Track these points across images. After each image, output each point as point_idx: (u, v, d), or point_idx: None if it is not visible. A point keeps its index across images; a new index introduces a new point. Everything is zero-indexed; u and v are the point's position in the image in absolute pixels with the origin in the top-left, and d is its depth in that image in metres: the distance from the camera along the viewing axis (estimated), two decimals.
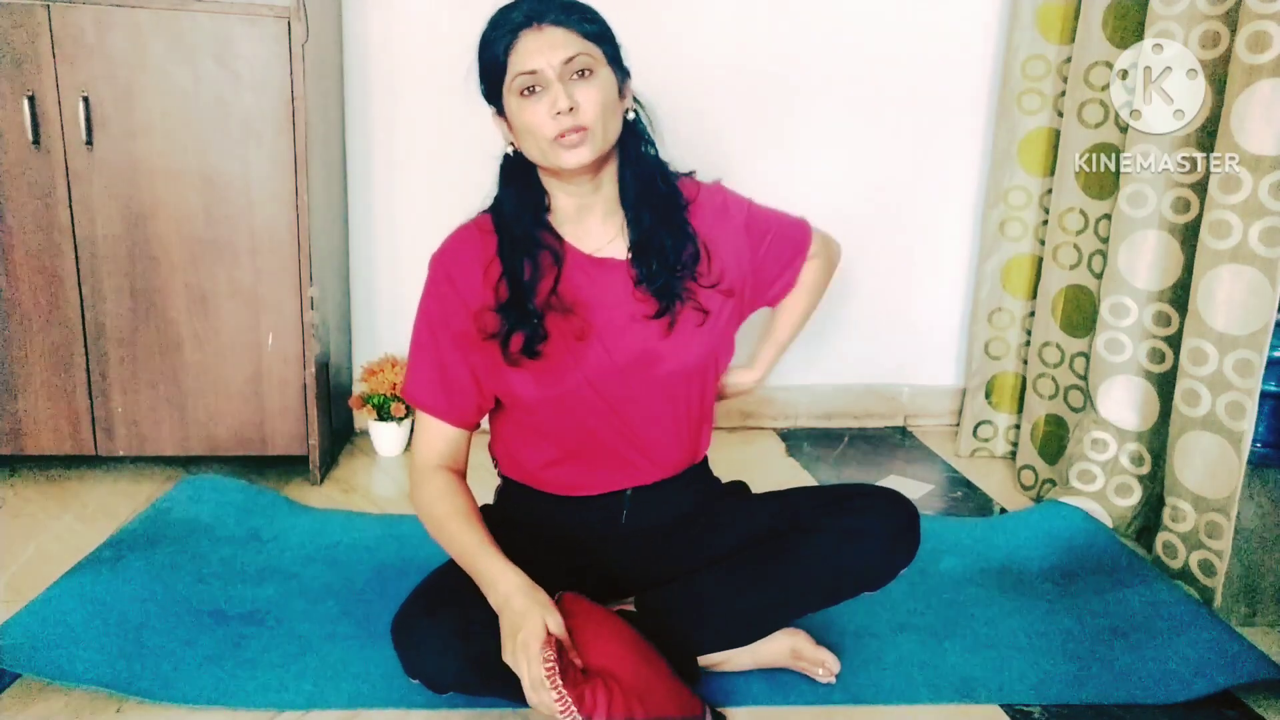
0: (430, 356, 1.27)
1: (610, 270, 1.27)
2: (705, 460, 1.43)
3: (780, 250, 1.38)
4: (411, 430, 2.28)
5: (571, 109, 1.13)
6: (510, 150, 1.25)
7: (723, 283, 1.31)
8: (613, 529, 1.35)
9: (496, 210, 1.27)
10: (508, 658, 1.06)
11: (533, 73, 1.14)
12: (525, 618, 1.07)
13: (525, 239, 1.23)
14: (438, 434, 1.28)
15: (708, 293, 1.29)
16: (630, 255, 1.27)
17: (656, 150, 1.29)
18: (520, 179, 1.26)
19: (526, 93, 1.15)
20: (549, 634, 1.06)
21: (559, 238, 1.26)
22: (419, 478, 1.27)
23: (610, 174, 1.26)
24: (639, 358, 1.26)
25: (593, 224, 1.28)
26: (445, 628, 1.13)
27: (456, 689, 1.17)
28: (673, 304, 1.26)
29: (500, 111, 1.22)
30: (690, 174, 1.35)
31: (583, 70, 1.15)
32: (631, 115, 1.24)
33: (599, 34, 1.19)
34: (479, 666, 1.13)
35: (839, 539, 1.23)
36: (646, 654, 1.15)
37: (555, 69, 1.14)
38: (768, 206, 1.41)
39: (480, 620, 1.12)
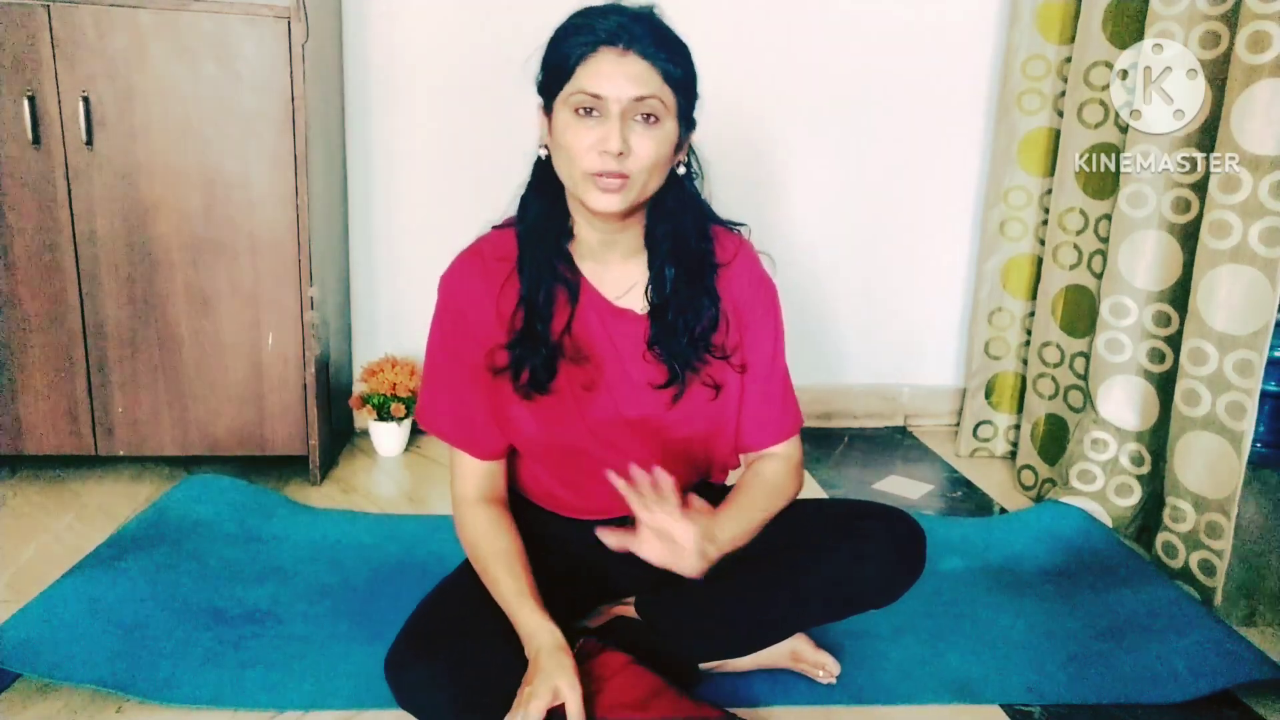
0: (448, 388, 1.23)
1: (627, 323, 1.22)
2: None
3: (767, 396, 1.28)
4: (411, 430, 2.28)
5: (621, 154, 1.05)
6: (543, 153, 1.17)
7: (736, 356, 1.24)
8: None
9: (520, 218, 1.20)
10: (517, 700, 1.06)
11: (597, 97, 1.05)
12: (542, 680, 1.06)
13: (545, 266, 1.17)
14: (470, 468, 1.25)
15: (721, 365, 1.23)
16: (649, 310, 1.21)
17: (699, 207, 1.22)
18: (549, 192, 1.18)
19: (582, 112, 1.07)
20: (555, 704, 1.05)
21: (577, 273, 1.20)
22: (461, 512, 1.25)
23: (639, 217, 1.19)
24: (648, 419, 1.22)
25: (614, 263, 1.22)
26: (438, 668, 1.10)
27: None
28: (683, 374, 1.20)
29: (547, 109, 1.13)
30: (740, 226, 1.27)
31: (649, 115, 1.07)
32: (682, 170, 1.17)
33: (682, 81, 1.10)
34: (470, 707, 1.10)
35: (843, 561, 1.20)
36: (659, 705, 1.12)
37: (622, 104, 1.05)
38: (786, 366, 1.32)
39: (472, 660, 1.10)
